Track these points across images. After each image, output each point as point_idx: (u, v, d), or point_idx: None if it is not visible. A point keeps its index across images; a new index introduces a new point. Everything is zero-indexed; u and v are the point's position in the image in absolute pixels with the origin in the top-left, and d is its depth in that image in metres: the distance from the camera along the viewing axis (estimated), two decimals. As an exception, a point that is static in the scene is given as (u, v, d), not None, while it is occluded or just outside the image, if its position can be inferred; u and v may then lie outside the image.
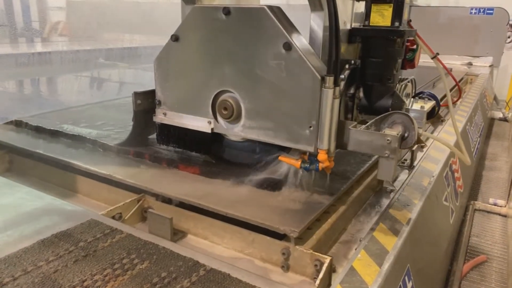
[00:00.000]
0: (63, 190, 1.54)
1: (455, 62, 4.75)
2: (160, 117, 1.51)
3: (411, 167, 1.89)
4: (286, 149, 1.35)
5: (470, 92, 3.55)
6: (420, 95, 2.09)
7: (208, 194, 1.31)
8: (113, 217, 1.26)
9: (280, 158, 1.35)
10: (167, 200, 1.34)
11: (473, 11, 5.15)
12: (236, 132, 1.38)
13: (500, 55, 5.25)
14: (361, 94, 1.45)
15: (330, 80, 1.17)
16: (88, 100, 2.46)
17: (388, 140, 1.19)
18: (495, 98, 4.94)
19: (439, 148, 2.03)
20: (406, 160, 1.95)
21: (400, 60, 1.49)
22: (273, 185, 1.36)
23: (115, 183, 1.42)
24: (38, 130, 1.83)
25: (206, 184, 1.39)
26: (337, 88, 1.19)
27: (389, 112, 1.27)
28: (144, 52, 3.86)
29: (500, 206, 2.67)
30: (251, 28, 1.25)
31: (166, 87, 1.47)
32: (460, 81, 4.11)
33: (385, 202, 1.51)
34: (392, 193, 1.58)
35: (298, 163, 1.31)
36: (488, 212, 2.66)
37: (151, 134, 1.67)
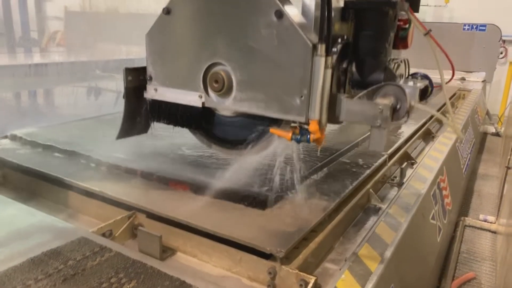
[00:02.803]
0: (56, 205, 1.56)
1: (449, 77, 4.81)
2: (151, 93, 1.50)
3: (400, 184, 1.92)
4: (277, 124, 1.36)
5: (462, 109, 3.60)
6: (414, 75, 2.09)
7: (197, 212, 1.33)
8: (103, 234, 1.28)
9: (271, 130, 1.35)
10: (157, 218, 1.36)
11: (466, 27, 5.23)
12: (227, 105, 1.38)
13: (492, 71, 5.33)
14: (354, 69, 1.44)
15: (321, 48, 1.18)
16: (83, 114, 2.47)
17: (380, 108, 1.19)
18: (487, 113, 5.00)
19: (428, 166, 2.07)
20: (395, 177, 1.99)
21: (392, 34, 1.48)
22: (262, 203, 1.38)
23: (107, 199, 1.44)
24: (33, 145, 1.85)
25: (195, 201, 1.41)
26: (329, 58, 1.20)
27: (381, 84, 1.27)
28: (142, 64, 3.89)
29: (490, 223, 2.70)
30: None
31: (157, 62, 1.47)
32: (452, 96, 4.17)
33: (373, 220, 1.54)
34: (380, 210, 1.60)
35: (289, 135, 1.31)
36: (478, 228, 2.69)
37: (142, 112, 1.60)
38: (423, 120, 2.90)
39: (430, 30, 1.60)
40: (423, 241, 1.72)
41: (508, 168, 2.70)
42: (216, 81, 1.35)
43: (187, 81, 1.42)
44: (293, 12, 1.25)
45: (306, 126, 1.28)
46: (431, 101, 3.75)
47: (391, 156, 2.05)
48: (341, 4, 1.40)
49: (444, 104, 3.69)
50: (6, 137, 1.95)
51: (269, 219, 1.31)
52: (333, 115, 1.28)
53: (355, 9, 1.41)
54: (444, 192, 2.09)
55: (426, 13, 6.33)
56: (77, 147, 1.78)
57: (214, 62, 1.36)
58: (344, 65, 1.40)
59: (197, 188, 1.48)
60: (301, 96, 1.23)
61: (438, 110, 3.40)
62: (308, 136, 1.27)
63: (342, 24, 1.41)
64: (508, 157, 2.95)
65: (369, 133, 2.28)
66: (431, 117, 3.14)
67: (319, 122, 1.24)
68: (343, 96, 1.26)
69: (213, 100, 1.40)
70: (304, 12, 1.31)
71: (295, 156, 1.73)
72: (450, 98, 3.99)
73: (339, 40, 1.36)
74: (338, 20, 1.39)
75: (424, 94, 1.98)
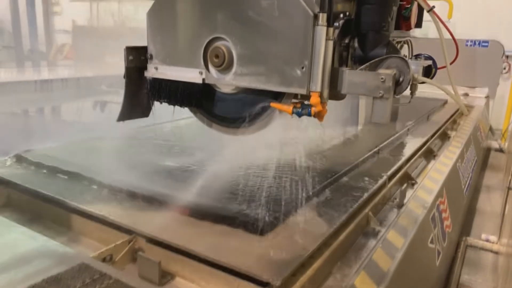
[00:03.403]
0: (59, 228, 1.58)
1: (452, 92, 4.82)
2: (151, 71, 1.51)
3: (400, 206, 1.92)
4: (278, 100, 1.37)
5: (464, 126, 3.61)
6: (417, 56, 2.10)
7: (196, 237, 1.35)
8: (104, 259, 1.30)
9: (272, 104, 1.36)
10: (157, 242, 1.38)
11: (469, 43, 5.26)
12: (228, 81, 1.39)
13: (495, 87, 5.34)
14: (356, 44, 1.43)
15: (323, 17, 1.19)
16: (90, 133, 2.49)
17: (382, 78, 1.19)
18: (490, 129, 4.99)
19: (427, 189, 2.07)
20: (395, 199, 1.99)
21: (395, 9, 1.49)
22: (260, 228, 1.39)
23: (107, 222, 1.47)
24: (38, 166, 1.89)
25: (195, 227, 1.43)
26: (331, 29, 1.21)
27: (384, 56, 1.28)
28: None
29: (492, 243, 2.68)
30: None
31: (158, 40, 1.48)
32: (455, 112, 4.18)
33: (372, 244, 1.54)
34: (379, 234, 1.61)
35: (289, 109, 1.31)
36: (480, 248, 2.68)
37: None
38: (425, 139, 2.90)
39: (434, 7, 1.62)
40: (421, 267, 1.72)
41: (509, 188, 2.69)
42: (217, 56, 1.35)
43: (187, 57, 1.43)
44: None
45: (307, 102, 1.29)
46: (434, 118, 3.77)
47: (391, 177, 2.06)
48: None
49: (448, 120, 3.71)
50: (11, 157, 1.99)
51: (267, 245, 1.32)
52: (335, 91, 1.28)
53: None
54: (443, 215, 2.09)
55: (429, 28, 6.37)
56: (81, 169, 1.81)
57: (214, 37, 1.37)
58: (346, 41, 1.40)
59: (197, 212, 1.50)
60: (302, 67, 1.23)
61: (441, 127, 3.42)
62: (309, 109, 1.27)
63: (345, 4, 1.41)
64: (510, 177, 2.95)
65: (369, 153, 2.33)
66: (433, 135, 3.15)
67: (321, 95, 1.24)
68: (345, 68, 1.26)
69: (214, 76, 1.41)
70: None
71: (293, 179, 1.76)
72: (453, 115, 4.00)
73: (341, 15, 1.36)
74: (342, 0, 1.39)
75: (428, 74, 1.99)
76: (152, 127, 2.73)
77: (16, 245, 1.30)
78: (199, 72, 1.42)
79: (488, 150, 4.94)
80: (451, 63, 2.15)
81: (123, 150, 2.23)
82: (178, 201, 1.55)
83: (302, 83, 1.25)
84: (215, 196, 1.58)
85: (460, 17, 5.37)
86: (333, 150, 2.44)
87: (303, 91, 1.26)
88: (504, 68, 6.17)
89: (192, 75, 1.44)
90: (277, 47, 1.27)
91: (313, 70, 1.22)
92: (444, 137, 3.30)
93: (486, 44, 5.23)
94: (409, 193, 2.03)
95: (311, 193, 1.66)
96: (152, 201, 1.58)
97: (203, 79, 1.43)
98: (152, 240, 1.37)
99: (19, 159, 1.96)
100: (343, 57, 1.41)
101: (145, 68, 1.53)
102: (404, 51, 1.84)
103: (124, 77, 1.56)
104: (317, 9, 1.21)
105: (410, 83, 1.27)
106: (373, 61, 1.28)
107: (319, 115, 1.29)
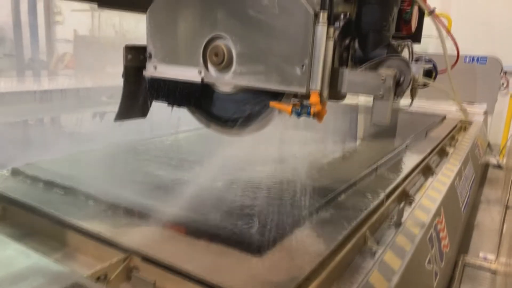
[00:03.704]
0: (53, 243, 1.57)
1: (451, 109, 4.84)
2: (150, 71, 1.50)
3: (398, 224, 1.91)
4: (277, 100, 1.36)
5: (462, 142, 3.61)
6: (418, 59, 2.09)
7: (192, 257, 1.34)
8: (98, 278, 1.29)
9: (271, 104, 1.36)
10: (152, 261, 1.36)
11: (467, 59, 5.29)
12: (227, 80, 1.38)
13: (494, 103, 5.36)
14: (356, 45, 1.43)
15: (323, 15, 1.19)
16: (92, 145, 2.47)
17: (382, 78, 1.19)
18: (489, 145, 5.00)
19: (425, 208, 2.06)
20: (393, 217, 1.98)
21: (396, 9, 1.48)
22: (256, 249, 1.38)
23: (102, 240, 1.45)
24: (34, 180, 1.88)
25: (191, 245, 1.42)
26: (331, 28, 1.21)
27: (384, 56, 1.28)
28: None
29: (490, 261, 2.66)
30: None
31: (157, 39, 1.47)
32: (454, 128, 4.18)
33: (369, 264, 1.53)
34: (375, 254, 1.60)
35: (289, 108, 1.30)
36: (477, 267, 2.65)
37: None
38: (423, 155, 2.90)
39: (435, 8, 1.62)
40: (418, 289, 1.71)
41: (507, 207, 2.68)
42: (216, 55, 1.35)
43: (187, 56, 1.43)
44: None
45: (306, 103, 1.28)
46: (433, 134, 3.77)
47: (389, 194, 2.05)
48: None
49: (446, 136, 3.71)
50: (8, 170, 1.98)
51: (263, 266, 1.31)
52: (335, 91, 1.28)
53: None
54: (441, 234, 2.08)
55: (428, 44, 6.42)
56: (78, 183, 1.80)
57: (214, 35, 1.37)
58: (347, 42, 1.40)
59: (193, 231, 1.49)
60: (302, 66, 1.23)
61: (440, 143, 3.42)
62: (309, 109, 1.26)
63: (346, 6, 1.41)
64: (507, 196, 2.94)
65: (367, 170, 2.33)
66: (431, 151, 3.15)
67: (320, 95, 1.24)
68: (345, 68, 1.26)
69: (213, 75, 1.41)
70: None
71: (290, 197, 1.75)
72: (451, 131, 4.01)
73: (342, 16, 1.36)
74: (342, 2, 1.38)
75: (429, 76, 1.96)
76: (152, 140, 2.73)
77: (10, 263, 1.28)
78: (198, 71, 1.42)
79: (487, 166, 4.94)
80: (452, 67, 2.16)
81: (122, 164, 2.23)
82: (175, 219, 1.54)
83: (302, 82, 1.24)
84: (212, 214, 1.57)
85: (459, 33, 5.41)
86: (331, 166, 2.44)
87: (302, 90, 1.25)
88: (503, 84, 6.22)
89: (191, 74, 1.43)
90: (277, 46, 1.27)
91: (313, 69, 1.22)
92: (442, 153, 3.30)
93: (485, 60, 5.27)
94: (406, 211, 2.03)
95: (308, 212, 1.66)
96: (149, 219, 1.57)
97: (202, 78, 1.42)
98: (147, 258, 1.36)
99: (16, 172, 1.96)
100: (344, 58, 1.41)
101: (144, 67, 1.52)
102: (404, 55, 1.85)
103: (122, 76, 1.55)
104: (317, 8, 1.21)
105: (411, 84, 1.27)
106: (373, 61, 1.28)
107: (318, 115, 1.29)
